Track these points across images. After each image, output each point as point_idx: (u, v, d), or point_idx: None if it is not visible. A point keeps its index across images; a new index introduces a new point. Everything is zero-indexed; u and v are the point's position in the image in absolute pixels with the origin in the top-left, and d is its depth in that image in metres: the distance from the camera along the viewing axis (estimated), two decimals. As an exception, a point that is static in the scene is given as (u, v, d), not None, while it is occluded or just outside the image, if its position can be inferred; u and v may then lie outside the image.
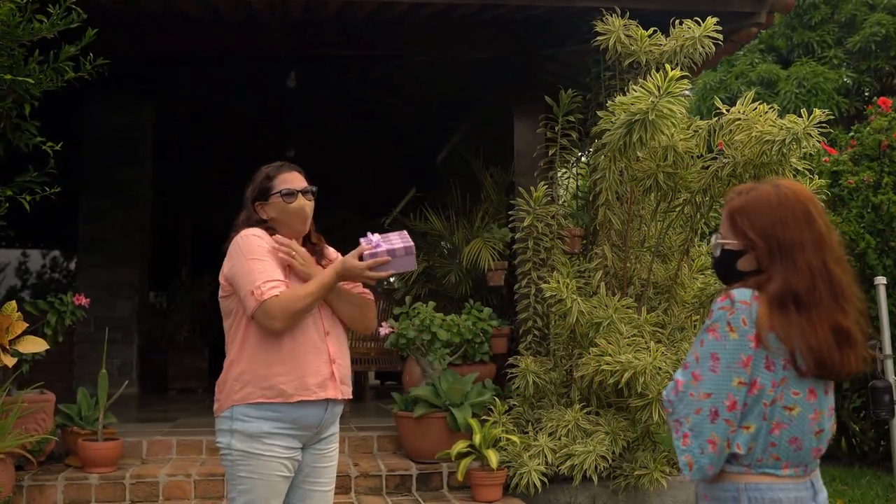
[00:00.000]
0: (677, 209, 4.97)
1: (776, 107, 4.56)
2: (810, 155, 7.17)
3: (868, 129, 6.96)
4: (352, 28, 5.72)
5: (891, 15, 11.52)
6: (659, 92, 4.23)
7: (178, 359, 8.30)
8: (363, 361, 6.49)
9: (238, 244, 2.65)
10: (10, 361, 4.09)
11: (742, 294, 1.81)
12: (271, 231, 2.75)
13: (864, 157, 6.92)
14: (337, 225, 9.44)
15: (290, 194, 2.72)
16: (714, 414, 1.77)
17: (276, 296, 2.52)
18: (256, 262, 2.58)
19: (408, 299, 5.12)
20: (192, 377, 8.36)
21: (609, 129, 4.51)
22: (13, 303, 4.26)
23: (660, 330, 4.83)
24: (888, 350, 4.65)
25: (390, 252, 2.58)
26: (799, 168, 4.55)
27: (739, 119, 4.51)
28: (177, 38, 5.73)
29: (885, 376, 4.57)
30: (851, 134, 7.24)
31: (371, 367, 6.63)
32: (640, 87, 4.29)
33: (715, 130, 4.66)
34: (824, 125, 4.35)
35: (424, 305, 4.97)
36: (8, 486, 4.04)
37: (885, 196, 6.43)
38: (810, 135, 4.32)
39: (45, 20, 4.06)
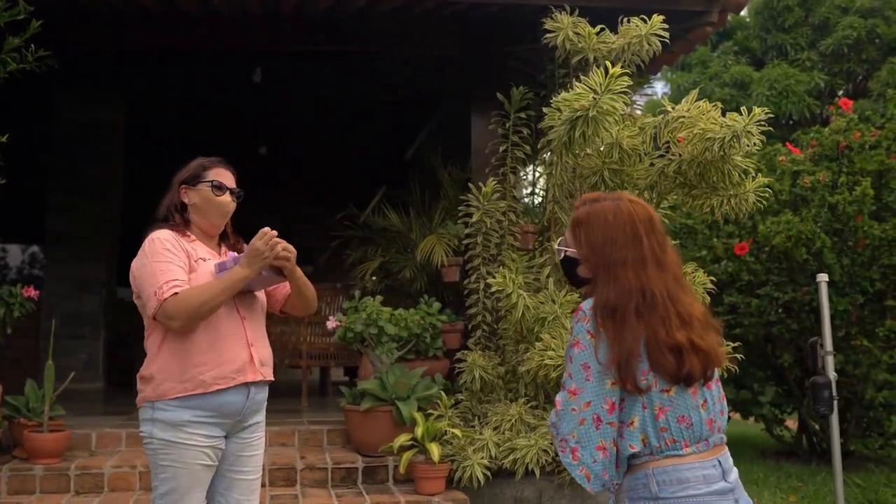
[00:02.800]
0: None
1: (719, 105, 4.59)
2: (767, 155, 7.26)
3: (827, 129, 7.04)
4: (312, 24, 5.76)
5: (863, 18, 11.63)
6: (600, 89, 4.28)
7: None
8: (322, 357, 6.52)
9: (145, 248, 2.68)
10: (-51, 352, 4.11)
11: (590, 302, 1.93)
12: (185, 228, 2.79)
13: (823, 157, 7.00)
14: (306, 219, 9.51)
15: (220, 188, 2.79)
16: (597, 420, 1.85)
17: (176, 294, 2.55)
18: (159, 264, 2.61)
19: (357, 293, 5.16)
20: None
21: (554, 126, 4.55)
22: (-40, 296, 4.29)
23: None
24: (829, 347, 4.71)
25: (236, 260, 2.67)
26: (742, 166, 4.60)
27: (683, 117, 4.55)
28: (155, 32, 5.75)
29: (826, 372, 4.62)
30: (812, 135, 7.31)
31: (330, 363, 6.65)
32: (583, 84, 4.33)
33: (661, 128, 4.70)
34: (763, 123, 4.39)
35: (372, 300, 5.01)
36: (-52, 475, 4.06)
37: (840, 196, 6.50)
38: (751, 133, 4.37)
39: (-7, 12, 4.09)
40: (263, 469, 4.59)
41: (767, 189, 4.68)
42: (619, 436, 1.88)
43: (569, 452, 1.87)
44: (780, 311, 7.11)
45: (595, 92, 4.30)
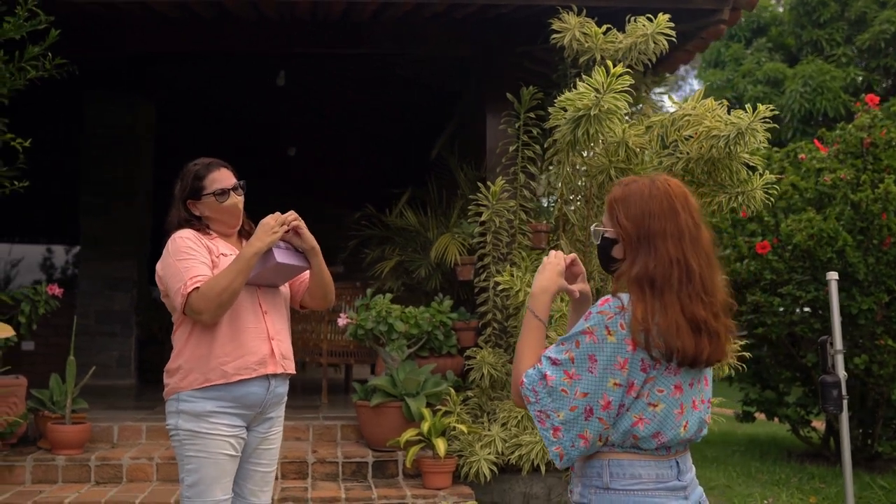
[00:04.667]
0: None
1: (725, 102, 4.59)
2: (791, 153, 7.19)
3: (851, 126, 6.94)
4: (328, 28, 5.87)
5: (900, 12, 11.41)
6: (603, 88, 4.31)
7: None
8: (343, 354, 6.63)
9: (168, 248, 2.78)
10: (-26, 346, 4.30)
11: (620, 299, 1.90)
12: (204, 228, 2.90)
13: (848, 154, 6.90)
14: (328, 220, 9.62)
15: (223, 193, 2.85)
16: (588, 412, 1.87)
17: (197, 288, 2.64)
18: (182, 261, 2.70)
19: (369, 291, 5.25)
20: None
21: (559, 126, 4.59)
22: (-19, 291, 4.49)
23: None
24: (839, 345, 4.66)
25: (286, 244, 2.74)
26: (750, 163, 4.59)
27: (689, 115, 4.56)
28: (174, 36, 5.92)
29: (835, 371, 4.57)
30: (837, 132, 7.21)
31: (351, 360, 6.76)
32: (585, 83, 4.37)
33: (668, 126, 4.71)
34: (768, 120, 4.38)
35: (383, 297, 5.10)
36: (-27, 464, 4.25)
37: (863, 194, 6.41)
38: (756, 130, 4.36)
39: (11, 20, 4.26)
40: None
41: (776, 186, 4.66)
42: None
43: (549, 427, 1.89)
44: (803, 310, 7.04)
45: (597, 91, 4.33)
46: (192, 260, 2.70)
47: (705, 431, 2.02)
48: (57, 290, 5.05)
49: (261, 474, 2.91)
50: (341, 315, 5.04)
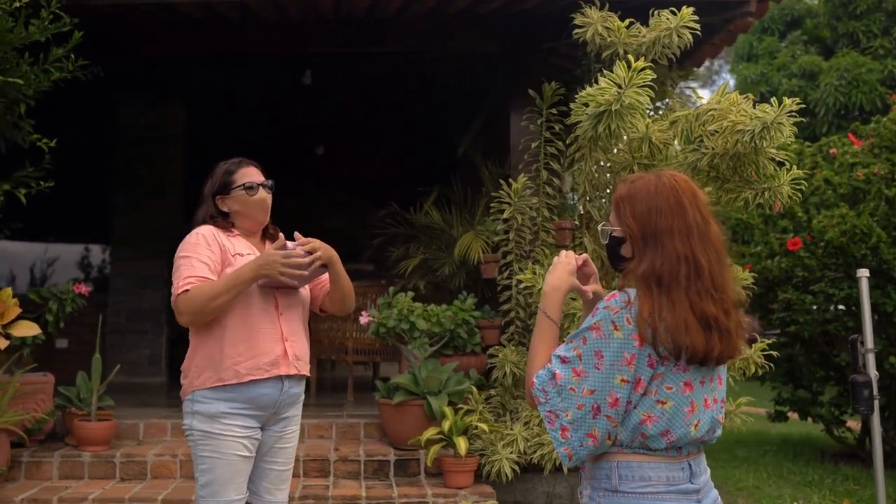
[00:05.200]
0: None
1: (751, 96, 4.49)
2: (824, 147, 7.04)
3: (886, 119, 6.77)
4: (352, 26, 5.88)
5: (941, 2, 11.12)
6: (624, 83, 4.24)
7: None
8: (368, 352, 6.63)
9: (183, 242, 2.81)
10: (2, 344, 4.37)
11: (626, 294, 1.87)
12: (229, 225, 2.91)
13: (883, 148, 6.74)
14: (355, 219, 9.66)
15: (252, 187, 2.88)
16: (596, 410, 1.83)
17: (187, 291, 2.65)
18: (187, 258, 2.73)
19: (391, 289, 5.24)
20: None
21: (581, 122, 4.54)
22: (9, 289, 4.56)
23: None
24: (870, 344, 4.55)
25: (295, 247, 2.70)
26: (777, 158, 4.49)
27: (714, 109, 4.48)
28: (198, 38, 5.96)
29: (867, 371, 4.46)
30: (872, 125, 7.04)
31: (377, 358, 6.76)
32: (606, 78, 4.31)
33: (692, 121, 4.63)
34: (794, 114, 4.28)
35: (404, 295, 5.08)
36: (1, 460, 4.32)
37: (898, 188, 6.26)
38: (782, 124, 4.27)
39: (36, 23, 4.32)
40: (298, 460, 4.76)
41: (805, 182, 4.55)
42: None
43: (557, 427, 1.86)
44: (837, 307, 6.88)
45: (619, 86, 4.27)
46: (194, 258, 2.72)
47: (719, 432, 1.97)
48: (84, 289, 5.12)
49: (277, 473, 2.91)
50: (363, 313, 5.04)
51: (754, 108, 4.37)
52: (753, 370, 4.65)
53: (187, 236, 2.82)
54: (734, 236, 8.55)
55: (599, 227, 2.10)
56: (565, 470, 4.55)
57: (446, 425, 4.57)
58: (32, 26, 4.29)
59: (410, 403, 4.86)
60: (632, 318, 1.83)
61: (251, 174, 2.93)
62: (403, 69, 7.50)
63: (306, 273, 2.73)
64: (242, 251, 2.85)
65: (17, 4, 4.14)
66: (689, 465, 1.91)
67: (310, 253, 2.70)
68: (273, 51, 6.36)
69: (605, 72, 4.32)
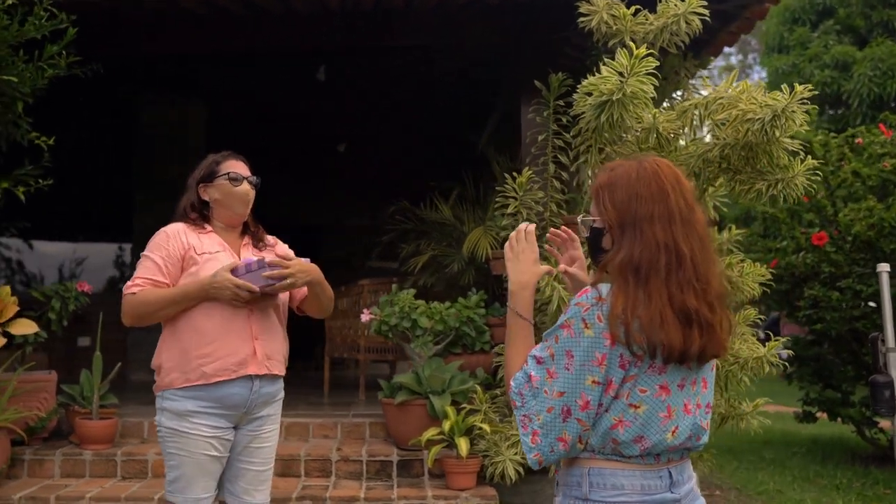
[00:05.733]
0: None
1: (762, 84, 4.31)
2: (850, 138, 6.78)
3: (917, 108, 6.51)
4: (361, 20, 5.79)
5: (981, -13, 10.70)
6: (627, 72, 4.09)
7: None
8: (381, 350, 6.55)
9: (150, 240, 2.80)
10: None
11: (598, 290, 1.74)
12: (205, 219, 2.86)
13: (915, 138, 6.49)
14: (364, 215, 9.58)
15: (237, 178, 2.86)
16: (566, 413, 1.71)
17: (134, 294, 2.66)
18: (144, 258, 2.74)
19: (394, 287, 5.15)
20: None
21: (584, 112, 4.39)
22: (7, 287, 4.55)
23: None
24: (891, 343, 4.34)
25: (260, 264, 2.65)
26: (790, 148, 4.30)
27: (723, 98, 4.30)
28: (204, 35, 5.94)
29: (888, 370, 4.27)
30: (902, 114, 6.79)
31: (389, 357, 6.67)
32: (609, 66, 4.16)
33: (701, 111, 4.45)
34: (806, 101, 4.08)
35: (406, 293, 4.98)
36: (1, 458, 4.32)
37: (927, 180, 6.00)
38: (794, 112, 4.08)
39: (37, 21, 4.31)
40: (299, 460, 4.69)
41: (818, 173, 4.36)
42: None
43: (529, 432, 1.74)
44: (866, 304, 6.64)
45: (621, 75, 4.12)
46: (149, 260, 2.72)
47: (704, 439, 1.83)
48: (87, 287, 5.11)
49: (254, 473, 2.86)
50: (364, 311, 4.95)
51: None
52: (767, 370, 4.47)
53: (156, 233, 2.80)
54: (765, 231, 8.32)
55: (579, 220, 1.97)
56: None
57: (447, 425, 4.46)
58: (29, 23, 4.27)
59: (413, 403, 4.76)
60: (603, 316, 1.70)
61: (237, 167, 2.90)
62: (415, 63, 7.41)
63: (258, 293, 2.68)
64: (211, 249, 2.79)
65: (11, 1, 4.12)
66: (670, 472, 1.78)
67: (273, 277, 2.67)
68: (280, 46, 6.30)
69: (605, 60, 4.17)
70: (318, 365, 8.51)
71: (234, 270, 2.66)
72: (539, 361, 1.76)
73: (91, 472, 4.66)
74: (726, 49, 6.66)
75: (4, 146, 4.59)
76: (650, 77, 4.16)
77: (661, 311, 1.69)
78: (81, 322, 6.09)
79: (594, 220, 1.87)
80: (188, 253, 2.75)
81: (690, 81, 5.82)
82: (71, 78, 4.49)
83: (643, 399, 1.72)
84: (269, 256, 2.74)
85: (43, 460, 4.68)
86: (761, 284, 4.76)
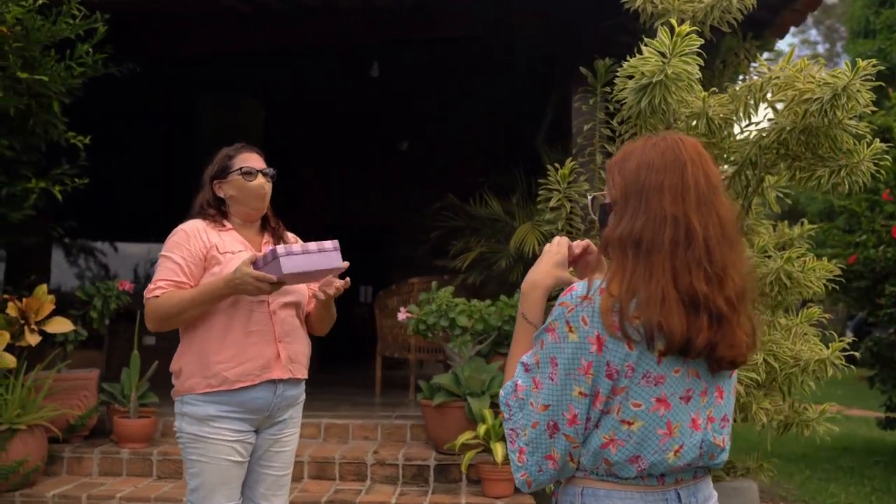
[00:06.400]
0: (723, 184, 4.46)
1: (822, 61, 3.95)
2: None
3: None
4: (406, 13, 5.66)
5: None
6: (669, 52, 3.80)
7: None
8: (432, 350, 6.39)
9: (167, 238, 2.69)
10: (34, 340, 4.39)
11: (583, 288, 1.51)
12: (223, 216, 2.75)
13: None
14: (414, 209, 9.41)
15: (250, 172, 2.73)
16: (553, 428, 1.49)
17: (156, 297, 2.55)
18: (164, 259, 2.63)
19: (434, 284, 4.97)
20: (296, 364, 8.61)
21: (626, 98, 4.12)
22: (44, 286, 4.58)
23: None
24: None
25: (274, 254, 2.47)
26: (854, 130, 3.93)
27: (778, 78, 3.96)
28: (248, 33, 5.91)
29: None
30: None
31: (441, 356, 6.50)
32: (649, 47, 3.88)
33: (755, 93, 4.12)
34: (870, 77, 3.71)
35: (445, 290, 4.79)
36: (36, 456, 4.34)
37: None
38: (857, 91, 3.71)
39: (71, 21, 4.32)
40: (334, 462, 4.57)
41: (885, 156, 3.96)
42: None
43: (516, 448, 1.54)
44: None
45: (663, 55, 3.83)
46: (170, 261, 2.60)
47: (723, 457, 1.57)
48: (128, 286, 5.11)
49: (273, 478, 2.74)
50: (401, 309, 4.79)
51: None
52: (830, 373, 4.10)
53: (173, 231, 2.68)
54: (849, 226, 7.80)
55: (589, 198, 1.74)
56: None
57: (483, 429, 4.25)
58: (60, 21, 4.28)
59: (451, 405, 4.57)
60: (588, 318, 1.47)
61: (251, 160, 2.79)
62: (469, 56, 7.22)
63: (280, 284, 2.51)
64: (234, 248, 2.68)
65: (42, 1, 4.13)
66: (678, 494, 1.53)
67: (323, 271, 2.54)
68: (327, 43, 6.22)
69: (646, 39, 3.89)
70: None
71: (254, 264, 2.54)
72: (527, 369, 1.54)
73: (128, 471, 4.65)
74: (813, 36, 6.24)
75: (44, 146, 4.62)
76: (695, 57, 3.86)
77: (664, 289, 1.44)
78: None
79: (601, 195, 1.65)
80: (210, 252, 2.64)
81: (753, 65, 5.45)
82: (132, 82, 4.48)
83: (637, 414, 1.47)
84: (280, 247, 2.58)
85: (82, 458, 4.69)
86: (831, 281, 4.39)
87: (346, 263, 2.58)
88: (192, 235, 2.64)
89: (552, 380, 1.49)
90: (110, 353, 5.64)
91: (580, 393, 1.47)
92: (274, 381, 2.60)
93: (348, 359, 9.07)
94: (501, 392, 1.59)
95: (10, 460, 4.19)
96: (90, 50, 4.27)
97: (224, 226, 2.73)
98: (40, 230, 5.04)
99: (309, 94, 8.63)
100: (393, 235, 10.49)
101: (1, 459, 4.17)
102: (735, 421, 4.11)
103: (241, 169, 2.73)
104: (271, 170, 2.81)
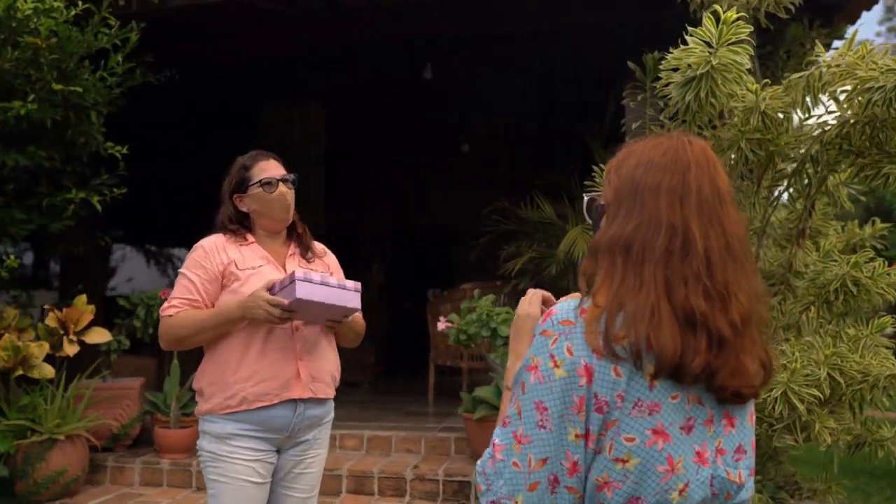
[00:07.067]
0: (783, 183, 4.13)
1: (888, 45, 3.59)
2: None
3: None
4: (461, 10, 5.53)
5: None
6: (715, 41, 3.52)
7: (344, 353, 8.43)
8: (482, 359, 6.21)
9: (188, 255, 2.62)
10: (72, 350, 4.41)
11: (564, 311, 1.31)
12: (246, 230, 2.66)
13: None
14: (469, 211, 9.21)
15: (269, 183, 2.60)
16: (553, 483, 1.28)
17: (170, 316, 2.48)
18: (181, 277, 2.55)
19: (477, 292, 4.77)
20: (357, 371, 8.55)
21: (671, 92, 3.85)
22: (83, 296, 4.60)
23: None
24: None
25: (291, 278, 2.35)
26: (929, 122, 3.55)
27: (838, 66, 3.62)
28: (293, 35, 5.88)
29: None
30: None
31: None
32: (693, 37, 3.60)
33: (813, 83, 3.78)
34: (942, 63, 3.34)
35: (485, 299, 4.60)
36: (76, 466, 4.36)
37: None
38: (927, 77, 3.35)
39: (108, 31, 4.33)
40: (373, 477, 4.45)
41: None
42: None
43: None
44: None
45: (709, 45, 3.55)
46: (186, 279, 2.52)
47: (744, 494, 1.33)
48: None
49: (296, 500, 2.62)
50: (441, 319, 4.61)
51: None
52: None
53: (194, 247, 2.60)
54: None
55: (585, 198, 1.52)
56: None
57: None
58: (89, 31, 4.29)
59: (493, 419, 4.38)
60: (573, 347, 1.26)
61: (269, 168, 2.64)
62: (526, 55, 7.01)
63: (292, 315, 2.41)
64: (254, 263, 2.56)
65: (76, 11, 4.14)
66: None
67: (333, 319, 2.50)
68: (379, 43, 6.13)
69: (689, 29, 3.62)
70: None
71: (270, 289, 2.43)
72: (504, 423, 1.32)
73: (168, 482, 4.63)
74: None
75: (85, 157, 4.65)
76: (745, 47, 3.56)
77: (654, 302, 1.24)
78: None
79: (595, 194, 1.45)
80: (228, 268, 2.54)
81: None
82: (190, 89, 4.46)
83: (632, 450, 1.25)
84: (299, 271, 2.45)
85: (124, 467, 4.70)
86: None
87: (359, 309, 2.50)
88: (209, 252, 2.55)
89: (544, 427, 1.27)
90: (161, 361, 5.67)
91: (577, 436, 1.26)
92: (294, 401, 2.49)
93: (413, 364, 8.96)
94: (478, 462, 1.38)
95: (50, 470, 4.21)
96: (120, 60, 4.27)
97: (246, 239, 2.61)
98: (88, 239, 5.09)
99: (369, 97, 8.57)
100: (457, 238, 10.37)
101: (40, 470, 4.19)
102: (796, 442, 3.80)
103: (260, 181, 2.59)
104: (292, 175, 2.67)
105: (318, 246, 2.80)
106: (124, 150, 4.53)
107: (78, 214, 4.51)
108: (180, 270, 2.56)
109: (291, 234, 2.72)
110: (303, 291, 2.32)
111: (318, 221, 8.80)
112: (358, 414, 5.78)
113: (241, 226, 2.64)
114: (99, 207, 4.49)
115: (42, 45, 4.02)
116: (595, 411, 1.25)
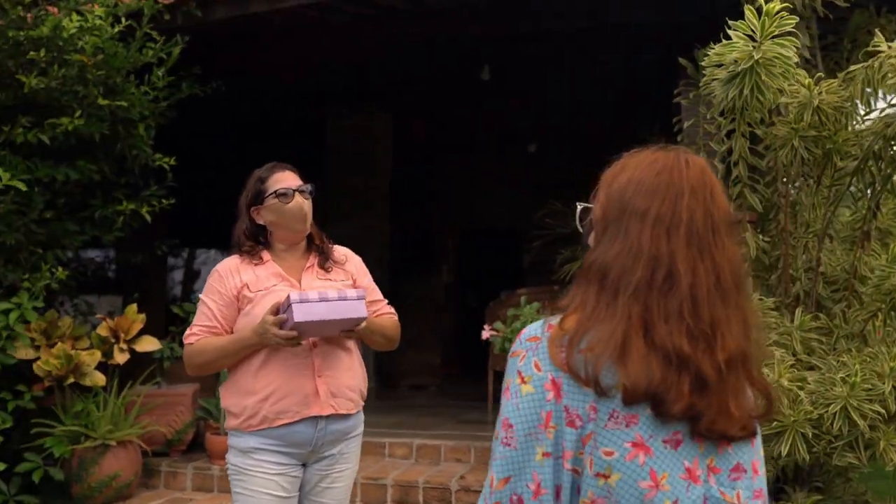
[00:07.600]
0: (844, 182, 3.87)
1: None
2: None
3: None
4: (508, 7, 5.43)
5: None
6: (758, 34, 3.31)
7: (411, 355, 8.45)
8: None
9: (207, 279, 2.65)
10: (122, 358, 4.52)
11: (531, 329, 1.27)
12: (261, 248, 2.66)
13: None
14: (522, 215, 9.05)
15: (285, 194, 2.59)
16: None
17: (191, 344, 2.52)
18: (201, 303, 2.58)
19: (523, 300, 4.65)
20: (424, 373, 8.53)
21: (714, 89, 3.65)
22: (134, 306, 4.71)
23: (818, 338, 3.79)
24: None
25: (291, 300, 2.33)
26: None
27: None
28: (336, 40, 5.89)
29: None
30: None
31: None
32: (735, 31, 3.40)
33: (873, 76, 3.52)
34: None
35: (531, 306, 4.47)
36: (129, 471, 4.47)
37: None
38: None
39: (154, 45, 4.42)
40: (417, 487, 4.40)
41: None
42: None
43: None
44: None
45: (752, 38, 3.34)
46: (205, 306, 2.55)
47: None
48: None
49: None
50: (485, 327, 4.51)
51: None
52: None
53: (212, 271, 2.63)
54: None
55: (579, 207, 1.44)
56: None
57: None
58: (147, 48, 4.38)
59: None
60: (541, 362, 1.21)
61: (285, 179, 2.62)
62: (584, 54, 6.83)
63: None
64: (268, 283, 2.55)
65: (119, 28, 4.24)
66: None
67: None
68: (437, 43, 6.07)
69: (730, 22, 3.42)
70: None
71: (277, 311, 2.42)
72: (493, 457, 1.26)
73: (218, 488, 4.70)
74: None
75: (137, 169, 4.76)
76: (791, 39, 3.35)
77: (624, 336, 1.17)
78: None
79: (585, 206, 1.37)
80: (241, 292, 2.54)
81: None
82: (253, 98, 4.51)
83: (611, 464, 1.17)
84: (293, 293, 2.43)
85: (176, 473, 4.80)
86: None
87: (365, 316, 2.44)
88: (224, 276, 2.56)
89: (509, 445, 1.21)
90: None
91: (543, 454, 1.19)
92: (315, 418, 2.47)
93: (481, 369, 8.91)
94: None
95: (103, 475, 4.33)
96: (161, 74, 4.35)
97: (261, 259, 2.60)
98: (146, 248, 5.22)
99: (432, 99, 8.52)
100: (525, 240, 10.23)
101: (94, 474, 4.31)
102: (858, 461, 3.54)
103: (275, 192, 2.57)
104: (308, 186, 2.63)
105: (339, 252, 2.75)
106: (172, 162, 4.62)
107: (130, 225, 4.62)
108: (200, 296, 2.59)
109: (310, 245, 2.69)
110: (300, 314, 2.30)
111: (382, 227, 8.84)
112: (407, 422, 5.75)
113: (256, 242, 2.63)
114: (148, 218, 4.59)
115: (88, 63, 4.13)
116: (567, 426, 1.19)
